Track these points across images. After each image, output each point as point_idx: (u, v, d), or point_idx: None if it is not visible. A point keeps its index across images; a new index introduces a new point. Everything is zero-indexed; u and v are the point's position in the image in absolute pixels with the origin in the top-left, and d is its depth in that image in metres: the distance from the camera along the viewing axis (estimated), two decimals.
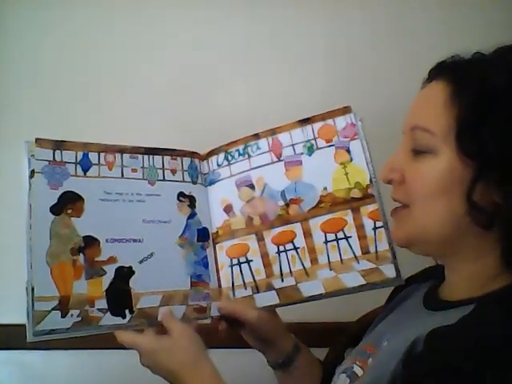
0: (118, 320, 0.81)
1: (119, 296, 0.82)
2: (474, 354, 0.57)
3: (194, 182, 0.94)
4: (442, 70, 0.73)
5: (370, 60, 1.24)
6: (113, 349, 1.18)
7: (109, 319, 0.81)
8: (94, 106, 1.24)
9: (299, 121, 0.93)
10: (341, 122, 0.91)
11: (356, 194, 0.89)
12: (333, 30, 1.25)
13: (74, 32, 1.25)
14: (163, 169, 0.91)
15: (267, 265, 0.91)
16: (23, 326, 1.12)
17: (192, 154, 0.95)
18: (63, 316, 0.78)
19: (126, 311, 0.82)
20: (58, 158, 0.84)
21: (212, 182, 0.95)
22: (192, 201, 0.92)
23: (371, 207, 0.88)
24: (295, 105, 1.22)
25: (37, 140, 0.83)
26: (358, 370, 0.76)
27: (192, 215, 0.92)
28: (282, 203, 0.92)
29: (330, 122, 0.92)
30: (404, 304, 0.84)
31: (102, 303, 0.81)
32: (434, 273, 0.82)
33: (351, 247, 0.88)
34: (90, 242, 0.83)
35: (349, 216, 0.88)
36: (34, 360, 1.21)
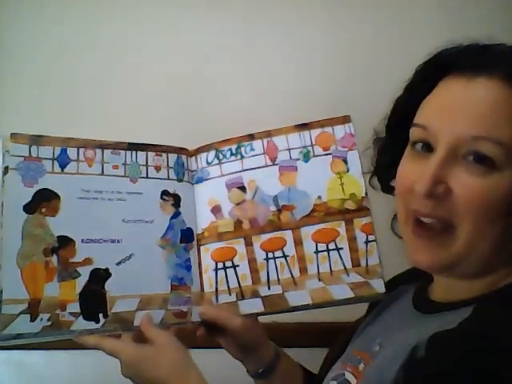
0: (91, 324, 0.78)
1: (93, 299, 0.79)
2: (478, 359, 0.54)
3: (180, 180, 0.89)
4: (493, 65, 0.63)
5: (370, 60, 1.21)
6: None
7: (81, 324, 0.78)
8: (92, 106, 1.23)
9: (296, 125, 0.89)
10: (340, 130, 0.88)
11: (350, 205, 0.86)
12: (333, 30, 1.22)
13: (73, 31, 1.24)
14: (147, 165, 0.87)
15: (254, 271, 0.86)
16: None
17: (179, 150, 0.90)
18: (32, 320, 0.75)
19: (100, 315, 0.79)
20: (34, 154, 0.80)
21: (200, 180, 0.90)
22: (176, 200, 0.88)
23: (365, 220, 0.85)
24: (295, 105, 1.20)
25: (12, 135, 0.79)
26: (350, 377, 0.73)
27: (176, 215, 0.87)
28: (273, 208, 0.88)
29: (328, 129, 0.88)
30: (392, 307, 0.81)
31: (75, 307, 0.78)
32: (419, 274, 0.76)
33: (342, 259, 0.85)
34: (65, 242, 0.79)
35: (342, 227, 0.85)
36: (34, 360, 1.21)
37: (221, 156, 0.89)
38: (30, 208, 0.78)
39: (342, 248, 0.85)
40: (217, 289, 0.87)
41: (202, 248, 0.88)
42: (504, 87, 0.61)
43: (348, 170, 0.86)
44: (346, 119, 0.88)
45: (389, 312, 0.81)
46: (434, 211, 0.64)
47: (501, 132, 0.60)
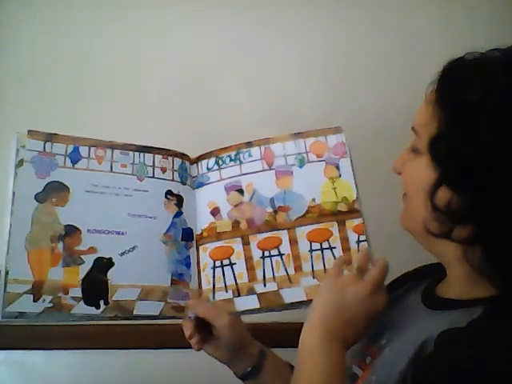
0: (92, 310, 0.81)
1: (95, 286, 0.83)
2: (486, 358, 0.57)
3: (184, 183, 0.94)
4: (434, 88, 0.74)
5: (370, 60, 1.24)
6: (113, 349, 1.20)
7: (81, 308, 0.81)
8: (92, 106, 1.26)
9: (292, 134, 0.95)
10: (332, 140, 0.94)
11: (342, 207, 0.91)
12: (333, 31, 1.26)
13: (73, 31, 1.27)
14: (153, 166, 0.92)
15: (250, 269, 0.89)
16: (23, 326, 1.14)
17: (182, 156, 0.95)
18: (35, 300, 0.78)
19: (101, 302, 0.82)
20: (48, 150, 0.86)
21: (200, 185, 0.95)
22: (179, 200, 0.92)
23: (356, 221, 0.89)
24: (295, 105, 1.23)
25: (29, 131, 0.86)
26: (357, 370, 0.75)
27: (178, 214, 0.92)
28: (270, 210, 0.92)
29: (321, 138, 0.95)
30: (401, 302, 0.83)
31: (77, 292, 0.81)
32: (430, 271, 0.81)
33: (335, 258, 0.88)
34: (72, 230, 0.84)
35: (334, 228, 0.90)
36: (34, 360, 1.21)
37: (220, 162, 0.95)
38: (40, 197, 0.84)
39: (335, 247, 0.88)
40: (214, 286, 0.89)
41: (200, 247, 0.91)
42: (435, 94, 0.72)
43: (340, 175, 0.92)
44: (337, 130, 0.95)
45: (397, 307, 0.82)
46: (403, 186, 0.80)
47: (421, 125, 0.74)
